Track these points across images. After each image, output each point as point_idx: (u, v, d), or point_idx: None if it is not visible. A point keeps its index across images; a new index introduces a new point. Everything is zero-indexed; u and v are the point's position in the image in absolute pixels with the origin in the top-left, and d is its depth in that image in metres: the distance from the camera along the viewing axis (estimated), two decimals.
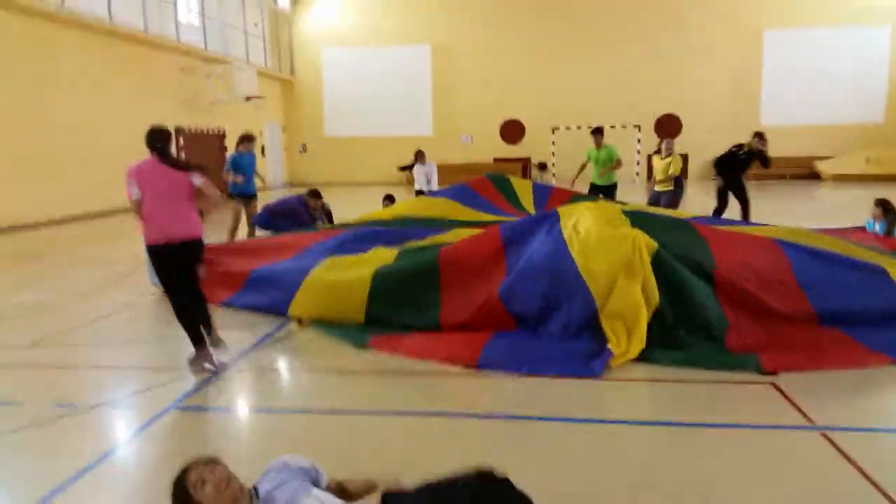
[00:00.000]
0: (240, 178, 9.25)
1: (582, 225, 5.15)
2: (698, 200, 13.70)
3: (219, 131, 21.26)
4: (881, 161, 22.20)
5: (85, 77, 15.23)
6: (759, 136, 9.87)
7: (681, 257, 4.90)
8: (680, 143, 23.94)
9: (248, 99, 20.81)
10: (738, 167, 9.86)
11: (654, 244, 4.83)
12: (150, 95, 17.55)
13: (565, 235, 5.01)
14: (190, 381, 4.29)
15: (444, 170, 21.15)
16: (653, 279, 4.65)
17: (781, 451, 3.23)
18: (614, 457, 3.20)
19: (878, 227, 7.72)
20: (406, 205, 8.24)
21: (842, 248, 5.54)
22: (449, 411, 3.77)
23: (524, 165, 24.47)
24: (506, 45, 25.21)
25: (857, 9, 23.64)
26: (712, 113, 24.41)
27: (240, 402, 4.14)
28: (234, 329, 5.46)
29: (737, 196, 9.84)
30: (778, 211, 12.71)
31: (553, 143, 22.77)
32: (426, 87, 25.94)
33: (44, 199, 13.68)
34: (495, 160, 25.30)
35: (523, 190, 7.47)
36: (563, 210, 5.42)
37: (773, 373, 4.14)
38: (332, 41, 26.23)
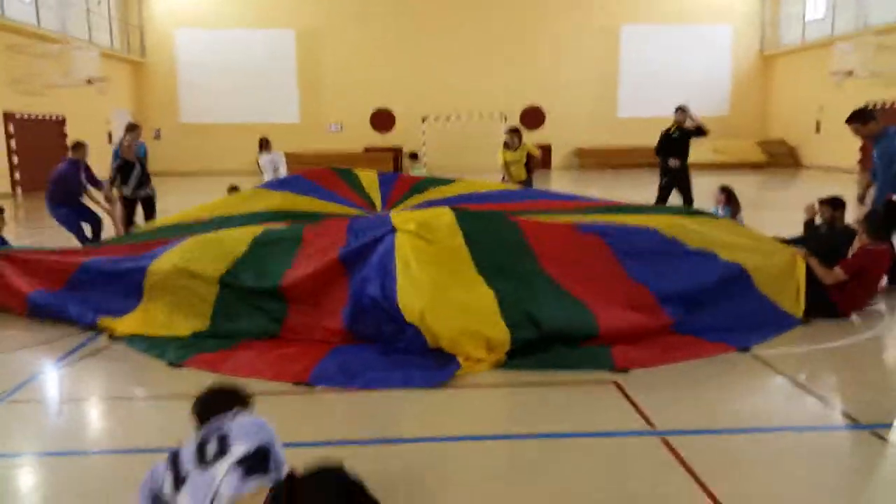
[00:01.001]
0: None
1: (417, 266, 4.58)
2: (562, 188, 13.96)
3: (57, 117, 19.24)
4: (726, 150, 23.85)
5: None
6: (681, 109, 9.12)
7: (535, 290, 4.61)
8: (542, 135, 24.69)
9: (89, 82, 18.92)
10: (679, 150, 9.04)
11: (495, 307, 4.37)
12: None
13: (397, 269, 4.51)
14: None
15: (311, 159, 20.40)
16: (503, 336, 4.21)
17: (622, 457, 3.10)
18: (443, 480, 2.91)
19: (721, 213, 7.99)
20: (223, 201, 6.87)
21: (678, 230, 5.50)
22: None
23: (395, 155, 24.08)
24: (373, 31, 24.62)
25: (701, 8, 25.19)
26: (575, 105, 25.14)
27: (15, 444, 3.44)
28: (29, 347, 4.67)
29: (681, 189, 9.13)
30: (631, 198, 13.12)
31: (423, 132, 22.55)
32: (291, 73, 24.87)
33: None
34: (366, 150, 24.74)
35: (369, 181, 6.92)
36: (400, 234, 4.87)
37: (625, 369, 4.05)
38: (186, 21, 24.48)
